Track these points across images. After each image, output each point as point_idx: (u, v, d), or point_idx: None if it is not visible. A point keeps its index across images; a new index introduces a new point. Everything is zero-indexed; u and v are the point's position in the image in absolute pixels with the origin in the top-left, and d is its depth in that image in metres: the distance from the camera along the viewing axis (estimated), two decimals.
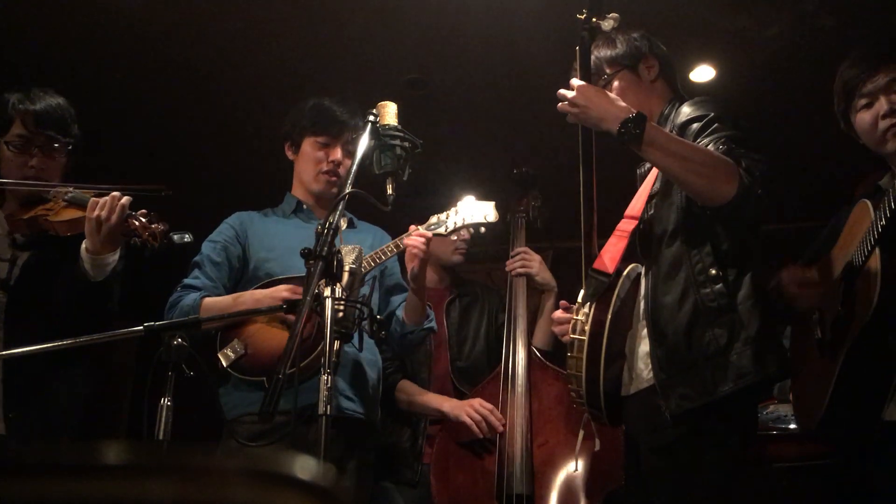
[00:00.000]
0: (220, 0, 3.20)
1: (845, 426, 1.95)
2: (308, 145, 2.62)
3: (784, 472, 2.42)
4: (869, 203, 1.92)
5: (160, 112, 3.92)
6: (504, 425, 2.64)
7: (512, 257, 2.94)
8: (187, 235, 2.17)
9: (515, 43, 3.36)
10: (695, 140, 1.90)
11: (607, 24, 1.93)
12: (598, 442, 2.31)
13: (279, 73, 3.62)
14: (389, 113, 2.00)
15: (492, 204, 2.50)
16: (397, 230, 3.01)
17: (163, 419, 1.71)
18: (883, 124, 1.98)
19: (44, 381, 2.18)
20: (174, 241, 2.14)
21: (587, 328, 2.01)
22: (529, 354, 2.76)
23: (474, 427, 2.62)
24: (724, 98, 2.08)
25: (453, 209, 2.52)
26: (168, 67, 3.59)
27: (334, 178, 2.59)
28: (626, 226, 2.13)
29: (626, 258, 2.12)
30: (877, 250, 1.81)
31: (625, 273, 2.12)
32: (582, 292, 2.09)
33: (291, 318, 2.25)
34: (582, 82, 1.96)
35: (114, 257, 2.18)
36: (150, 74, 3.64)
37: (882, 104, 1.98)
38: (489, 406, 2.66)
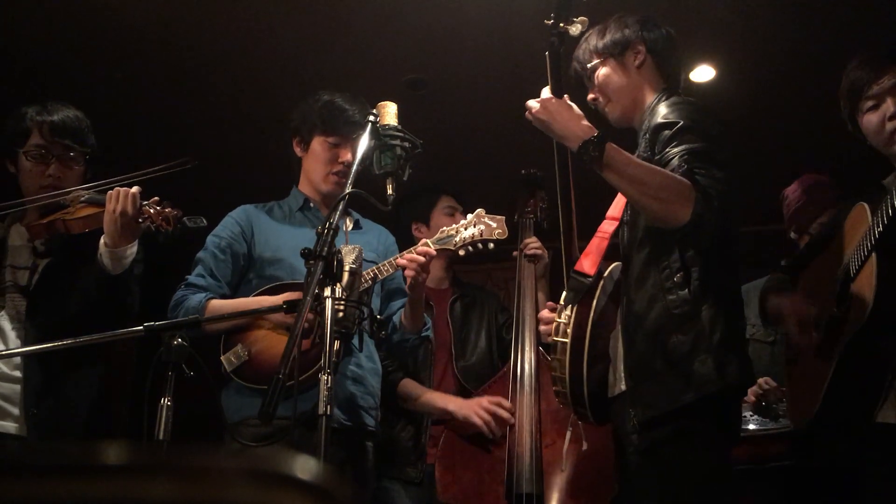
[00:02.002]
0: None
1: (836, 427, 1.95)
2: (318, 144, 2.57)
3: (739, 474, 2.38)
4: (867, 206, 1.92)
5: (161, 111, 3.92)
6: (514, 417, 2.62)
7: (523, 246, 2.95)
8: (201, 220, 2.20)
9: (515, 43, 3.36)
10: (664, 149, 1.89)
11: (575, 29, 1.88)
12: (585, 443, 2.31)
13: (279, 74, 3.62)
14: (389, 113, 2.00)
15: (503, 219, 2.47)
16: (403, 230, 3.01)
17: (163, 419, 1.71)
18: (890, 125, 1.98)
19: (61, 381, 2.25)
20: (188, 226, 2.18)
21: (569, 331, 2.02)
22: (538, 355, 2.75)
23: (484, 428, 2.60)
24: (700, 100, 2.05)
25: (463, 222, 2.48)
26: (168, 67, 3.59)
27: (344, 180, 2.49)
28: (607, 227, 2.13)
29: (608, 259, 2.12)
30: (873, 255, 1.81)
31: (607, 273, 2.12)
32: (563, 294, 2.09)
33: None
34: (548, 95, 1.92)
35: (132, 250, 2.23)
36: (150, 74, 3.64)
37: (889, 105, 1.99)
38: (496, 399, 2.64)
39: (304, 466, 0.44)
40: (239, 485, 0.43)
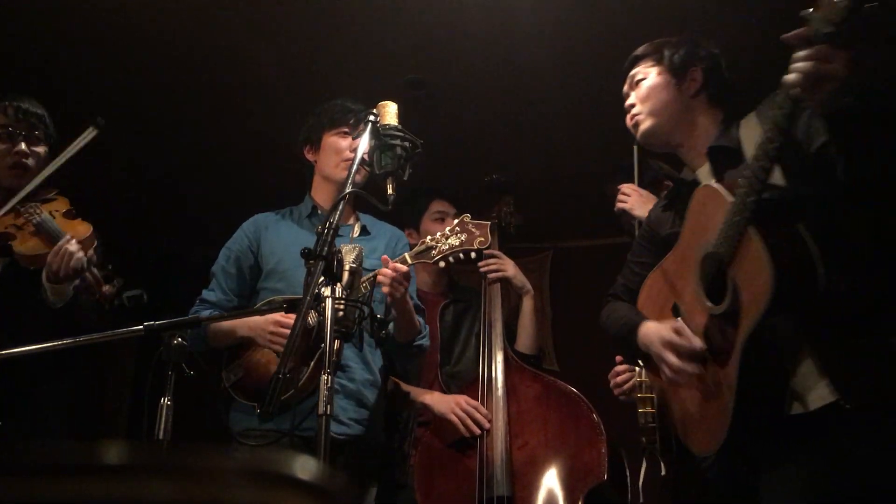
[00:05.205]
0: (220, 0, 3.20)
1: (753, 434, 1.71)
2: (328, 139, 2.63)
3: None
4: (718, 186, 1.75)
5: (160, 112, 3.92)
6: (490, 421, 2.63)
7: (484, 259, 2.95)
8: (141, 293, 2.20)
9: (514, 43, 3.36)
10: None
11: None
12: (663, 468, 2.34)
13: (279, 74, 3.62)
14: (389, 113, 1.99)
15: (487, 225, 2.40)
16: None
17: (163, 419, 1.71)
18: (629, 118, 2.06)
19: (28, 395, 2.26)
20: (125, 303, 2.21)
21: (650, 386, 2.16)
22: (506, 357, 2.76)
23: (460, 425, 2.61)
24: None
25: (447, 229, 2.42)
26: (167, 68, 3.59)
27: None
28: None
29: None
30: (750, 229, 1.61)
31: None
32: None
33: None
34: None
35: (72, 285, 2.27)
36: (150, 75, 3.64)
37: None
38: (474, 402, 2.66)
39: (304, 466, 0.44)
40: (239, 485, 0.43)
